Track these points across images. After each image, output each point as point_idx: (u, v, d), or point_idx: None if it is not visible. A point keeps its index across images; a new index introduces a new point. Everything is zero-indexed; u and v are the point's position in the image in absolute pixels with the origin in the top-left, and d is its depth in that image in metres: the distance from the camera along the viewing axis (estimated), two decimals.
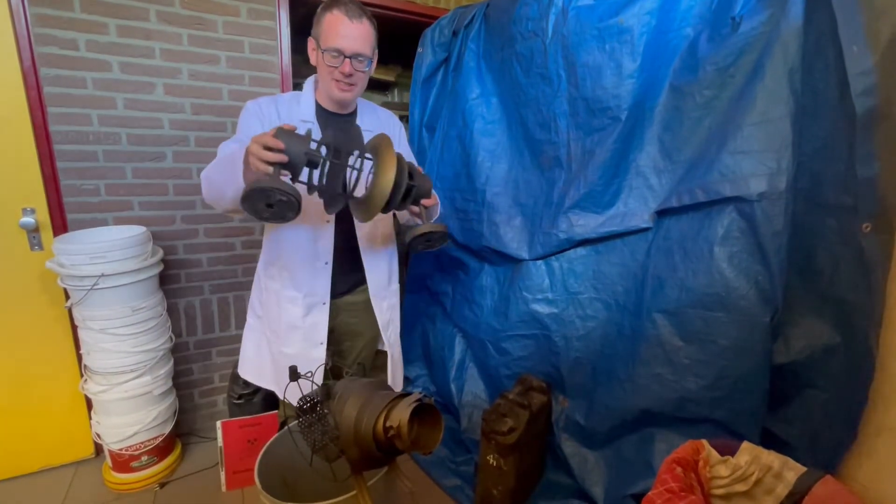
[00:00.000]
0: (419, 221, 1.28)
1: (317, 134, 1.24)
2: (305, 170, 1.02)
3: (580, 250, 1.55)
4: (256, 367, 1.44)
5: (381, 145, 1.10)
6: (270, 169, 0.96)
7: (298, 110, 1.28)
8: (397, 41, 2.56)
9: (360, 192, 1.12)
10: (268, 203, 0.98)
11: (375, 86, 3.08)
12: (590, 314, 1.52)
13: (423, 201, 1.20)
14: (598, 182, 1.47)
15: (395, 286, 1.54)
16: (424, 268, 2.23)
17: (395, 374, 1.53)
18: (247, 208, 0.99)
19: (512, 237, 1.71)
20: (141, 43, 1.67)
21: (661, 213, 1.36)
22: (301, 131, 1.03)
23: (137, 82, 1.68)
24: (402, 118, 1.60)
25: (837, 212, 1.04)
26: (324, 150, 1.05)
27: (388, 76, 2.97)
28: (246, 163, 1.01)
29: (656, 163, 1.39)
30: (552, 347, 1.59)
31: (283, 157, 0.96)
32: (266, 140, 0.95)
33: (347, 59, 1.18)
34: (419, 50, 2.10)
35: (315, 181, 1.05)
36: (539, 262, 1.63)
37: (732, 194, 1.15)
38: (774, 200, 1.10)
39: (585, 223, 1.50)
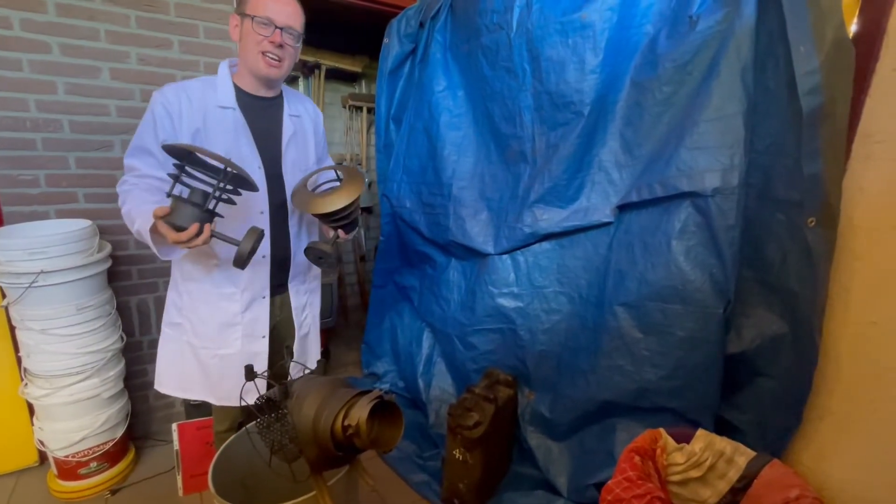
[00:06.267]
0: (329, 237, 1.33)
1: (240, 120, 1.18)
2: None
3: (545, 244, 1.56)
4: (179, 379, 1.36)
5: (354, 175, 1.26)
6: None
7: (215, 97, 1.15)
8: (364, 31, 2.50)
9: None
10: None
11: (342, 77, 3.00)
12: (554, 308, 1.53)
13: (342, 233, 1.29)
14: (561, 176, 1.48)
15: (319, 272, 1.49)
16: (392, 262, 2.20)
17: (309, 355, 1.48)
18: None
19: (478, 231, 1.71)
20: (84, 24, 1.55)
21: (623, 208, 1.38)
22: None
23: (80, 66, 1.57)
24: (369, 110, 1.55)
25: (786, 206, 1.08)
26: (207, 188, 1.04)
27: (355, 67, 2.90)
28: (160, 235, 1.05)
29: (618, 158, 1.41)
30: (518, 341, 1.59)
31: (192, 233, 1.01)
32: (177, 238, 1.01)
33: (279, 30, 1.11)
34: (385, 41, 2.05)
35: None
36: (505, 256, 1.64)
37: (689, 189, 1.18)
38: (728, 195, 1.13)
39: (550, 217, 1.51)
